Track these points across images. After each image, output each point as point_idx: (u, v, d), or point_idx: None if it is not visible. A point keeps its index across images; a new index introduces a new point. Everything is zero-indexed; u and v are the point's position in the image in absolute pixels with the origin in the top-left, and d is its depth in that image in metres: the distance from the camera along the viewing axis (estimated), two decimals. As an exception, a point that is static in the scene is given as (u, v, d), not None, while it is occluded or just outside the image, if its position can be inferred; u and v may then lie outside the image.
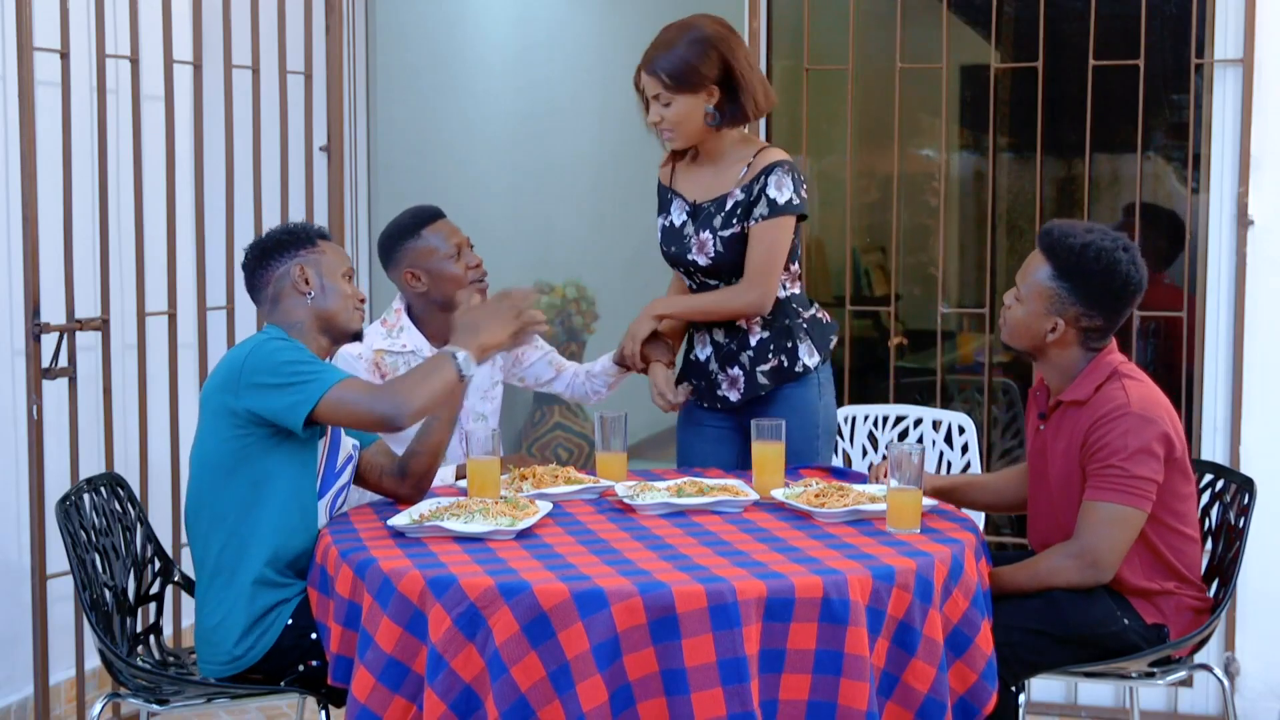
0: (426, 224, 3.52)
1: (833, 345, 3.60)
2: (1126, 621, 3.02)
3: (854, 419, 4.13)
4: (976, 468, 3.95)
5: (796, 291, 3.56)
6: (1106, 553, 2.94)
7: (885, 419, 4.11)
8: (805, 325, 3.55)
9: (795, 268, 3.55)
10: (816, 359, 3.54)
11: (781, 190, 3.43)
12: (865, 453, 4.10)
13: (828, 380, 3.59)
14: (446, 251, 3.50)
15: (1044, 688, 4.13)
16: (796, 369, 3.52)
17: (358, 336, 3.11)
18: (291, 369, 2.83)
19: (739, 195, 3.46)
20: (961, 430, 3.99)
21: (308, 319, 3.02)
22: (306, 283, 3.01)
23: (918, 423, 4.07)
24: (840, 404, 4.33)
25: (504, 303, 3.04)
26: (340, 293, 3.04)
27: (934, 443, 4.03)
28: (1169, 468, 2.97)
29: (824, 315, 3.62)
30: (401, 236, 3.53)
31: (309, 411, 2.80)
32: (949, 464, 3.99)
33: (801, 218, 3.48)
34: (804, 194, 3.47)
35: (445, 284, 3.51)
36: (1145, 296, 4.17)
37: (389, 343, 3.51)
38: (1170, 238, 4.36)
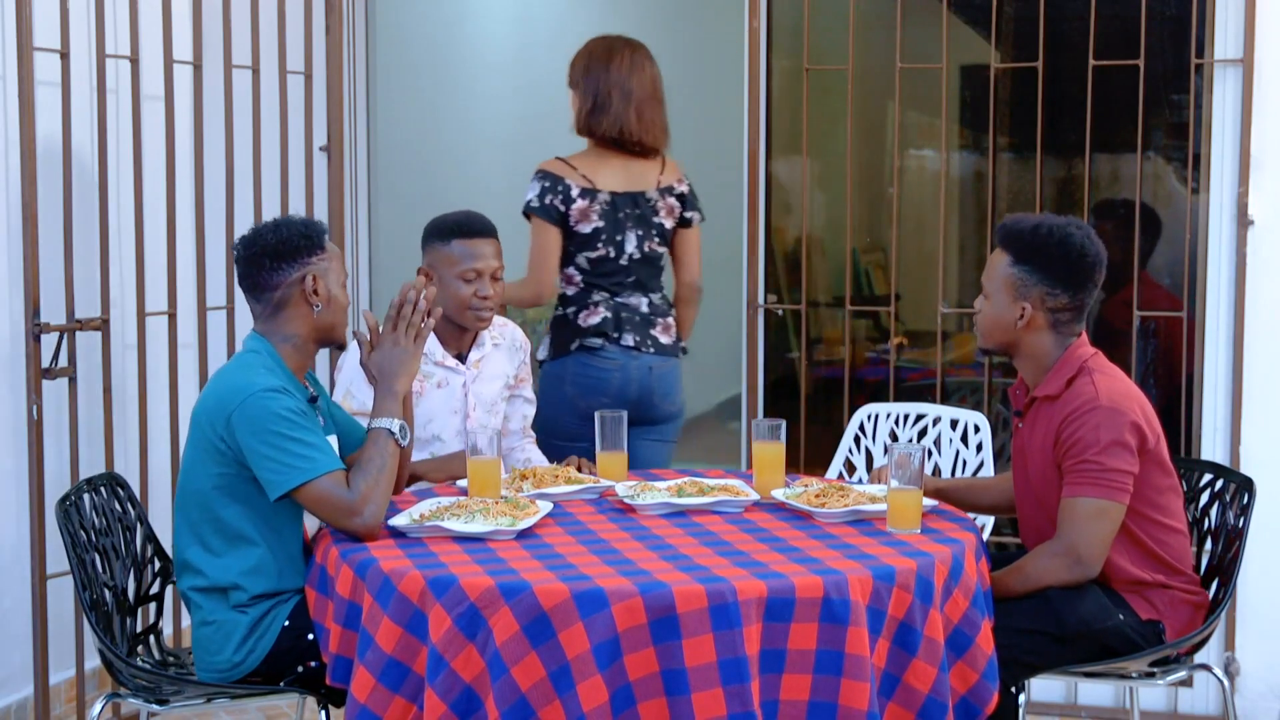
0: (464, 236, 3.48)
1: (576, 346, 3.90)
2: (1121, 616, 3.03)
3: (875, 417, 4.13)
4: (990, 466, 3.95)
5: (566, 292, 3.96)
6: (1089, 547, 2.95)
7: (906, 417, 4.12)
8: (550, 322, 4.00)
9: (569, 270, 3.94)
10: (545, 354, 3.97)
11: (528, 192, 3.91)
12: (886, 449, 4.10)
13: (563, 374, 3.91)
14: (463, 270, 3.46)
15: (1044, 688, 4.13)
16: (538, 356, 3.96)
17: (341, 346, 3.11)
18: (281, 443, 2.79)
19: None
20: (977, 429, 4.00)
21: (306, 331, 2.97)
22: (317, 294, 2.95)
23: (936, 421, 4.07)
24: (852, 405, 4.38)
25: (395, 333, 3.00)
26: (341, 304, 3.00)
27: (950, 441, 4.03)
28: (1144, 460, 2.99)
29: (584, 319, 3.91)
30: (437, 234, 3.52)
31: (285, 493, 2.81)
32: (964, 462, 4.00)
33: (549, 224, 3.87)
34: (544, 200, 3.86)
35: (448, 298, 3.48)
36: (1141, 297, 4.21)
37: None
38: (1147, 232, 4.35)
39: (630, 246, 3.91)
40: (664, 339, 3.95)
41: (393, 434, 2.91)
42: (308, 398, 2.97)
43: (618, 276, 3.92)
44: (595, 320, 3.88)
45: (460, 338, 3.57)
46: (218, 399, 2.86)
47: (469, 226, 3.51)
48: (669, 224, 3.97)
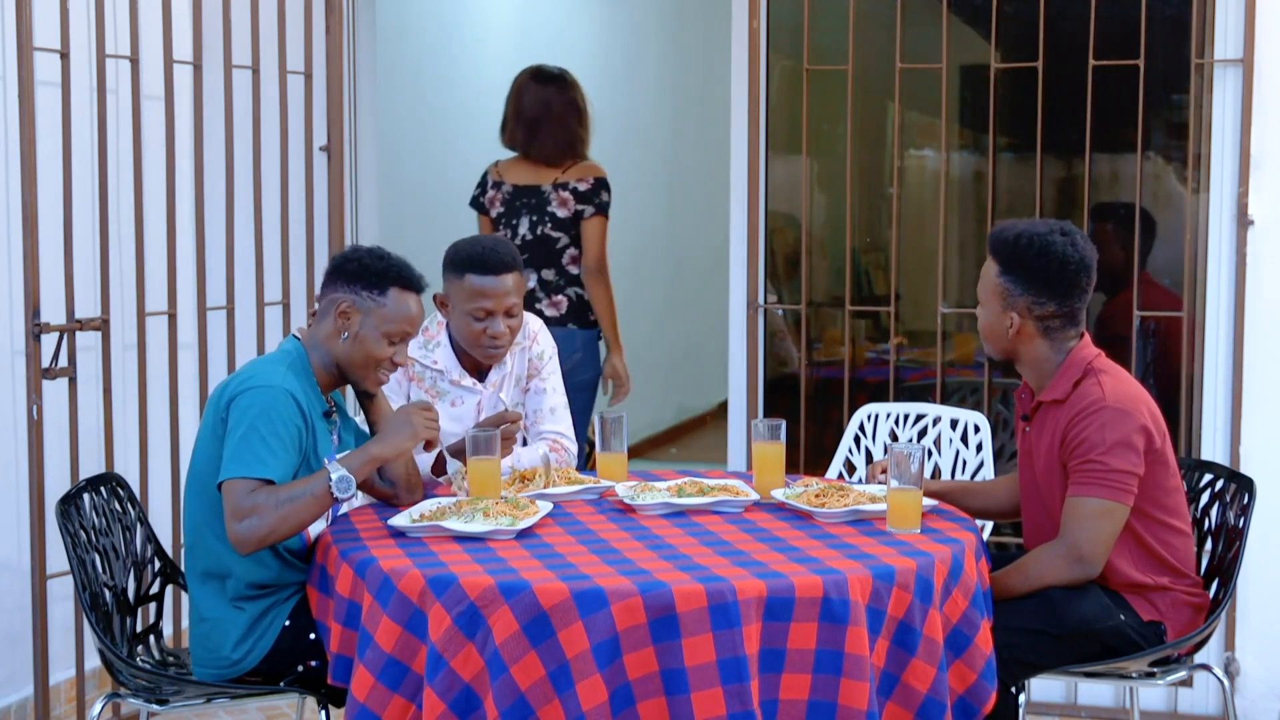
0: (478, 272, 3.38)
1: None
2: (1123, 617, 3.03)
3: (875, 417, 4.14)
4: (990, 466, 3.95)
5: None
6: (1091, 547, 2.95)
7: (906, 417, 4.12)
8: None
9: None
10: None
11: None
12: (886, 450, 4.10)
13: None
14: (474, 308, 3.37)
15: (1044, 688, 4.13)
16: None
17: (367, 394, 3.06)
18: (246, 434, 2.79)
19: None
20: (977, 429, 4.00)
21: (333, 353, 2.98)
22: (346, 321, 2.95)
23: (936, 421, 4.07)
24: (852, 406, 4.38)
25: (416, 411, 2.98)
26: (368, 354, 2.96)
27: (950, 441, 4.03)
28: (1150, 461, 2.98)
29: None
30: (454, 266, 3.42)
31: (218, 482, 2.81)
32: (964, 462, 4.00)
33: (477, 211, 4.77)
34: (475, 193, 4.77)
35: (460, 329, 3.44)
36: (1141, 297, 4.21)
37: (422, 354, 3.50)
38: (1143, 233, 4.34)
39: (523, 229, 4.65)
40: (549, 311, 4.63)
41: (330, 480, 2.81)
42: (323, 410, 2.97)
43: None
44: None
45: (477, 361, 3.53)
46: (234, 382, 2.89)
47: (484, 262, 3.38)
48: (562, 213, 4.63)
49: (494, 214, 4.69)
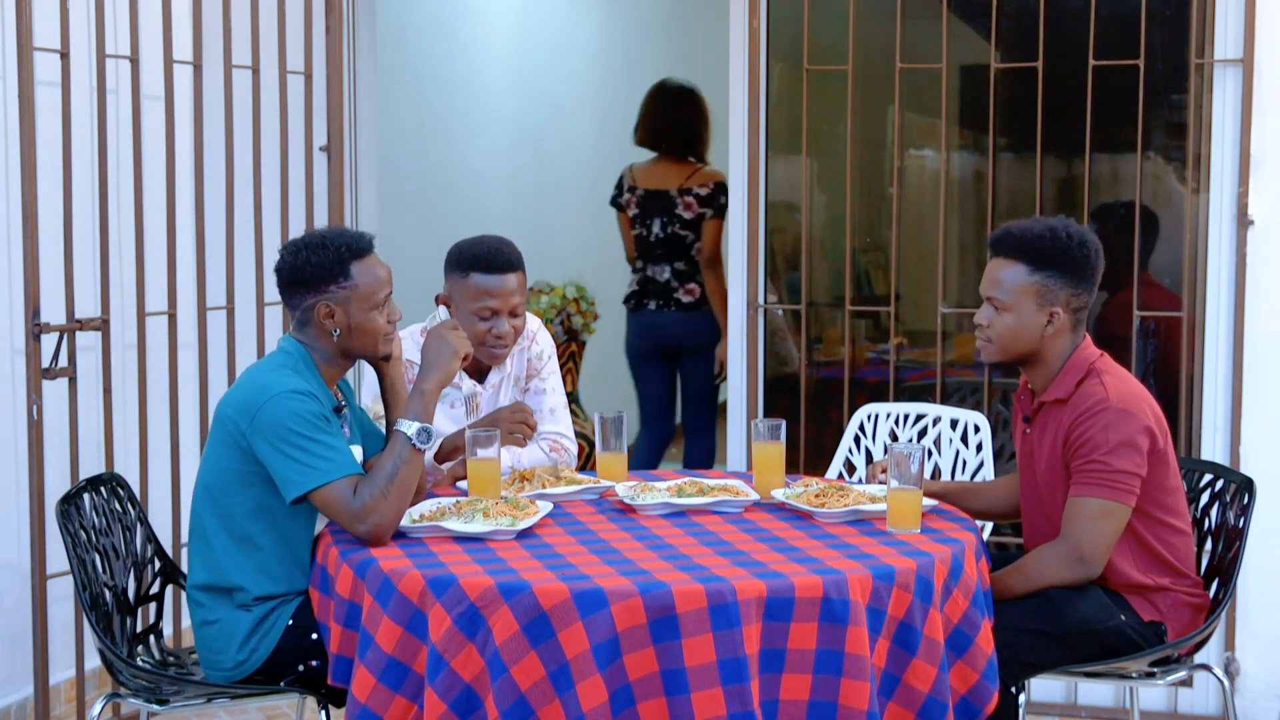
0: (482, 271, 3.35)
1: (630, 305, 5.60)
2: (1123, 617, 3.03)
3: (875, 417, 4.13)
4: (990, 466, 3.95)
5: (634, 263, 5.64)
6: (1093, 547, 2.95)
7: (906, 417, 4.12)
8: None
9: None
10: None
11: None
12: (886, 450, 4.10)
13: (627, 324, 5.65)
14: (479, 307, 3.35)
15: (1044, 688, 4.13)
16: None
17: (385, 359, 3.07)
18: (299, 442, 2.79)
19: None
20: (977, 429, 4.00)
21: (332, 348, 2.97)
22: (333, 319, 2.94)
23: (936, 421, 4.07)
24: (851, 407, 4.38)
25: (446, 329, 3.04)
26: (368, 330, 2.95)
27: (950, 441, 4.03)
28: (1152, 460, 2.98)
29: (630, 285, 5.59)
30: (457, 265, 3.39)
31: (300, 495, 2.80)
32: (964, 462, 4.00)
33: (617, 209, 5.62)
34: (614, 192, 5.61)
35: (463, 329, 3.32)
36: (1141, 297, 4.22)
37: (418, 355, 3.48)
38: (1144, 232, 4.34)
39: (656, 228, 5.47)
40: (685, 299, 5.48)
41: (410, 439, 2.87)
42: (334, 406, 2.97)
43: (650, 250, 5.49)
44: (633, 288, 5.57)
45: (478, 361, 3.51)
46: (245, 395, 2.87)
47: (489, 261, 3.35)
48: (688, 215, 5.45)
49: (631, 213, 5.51)
